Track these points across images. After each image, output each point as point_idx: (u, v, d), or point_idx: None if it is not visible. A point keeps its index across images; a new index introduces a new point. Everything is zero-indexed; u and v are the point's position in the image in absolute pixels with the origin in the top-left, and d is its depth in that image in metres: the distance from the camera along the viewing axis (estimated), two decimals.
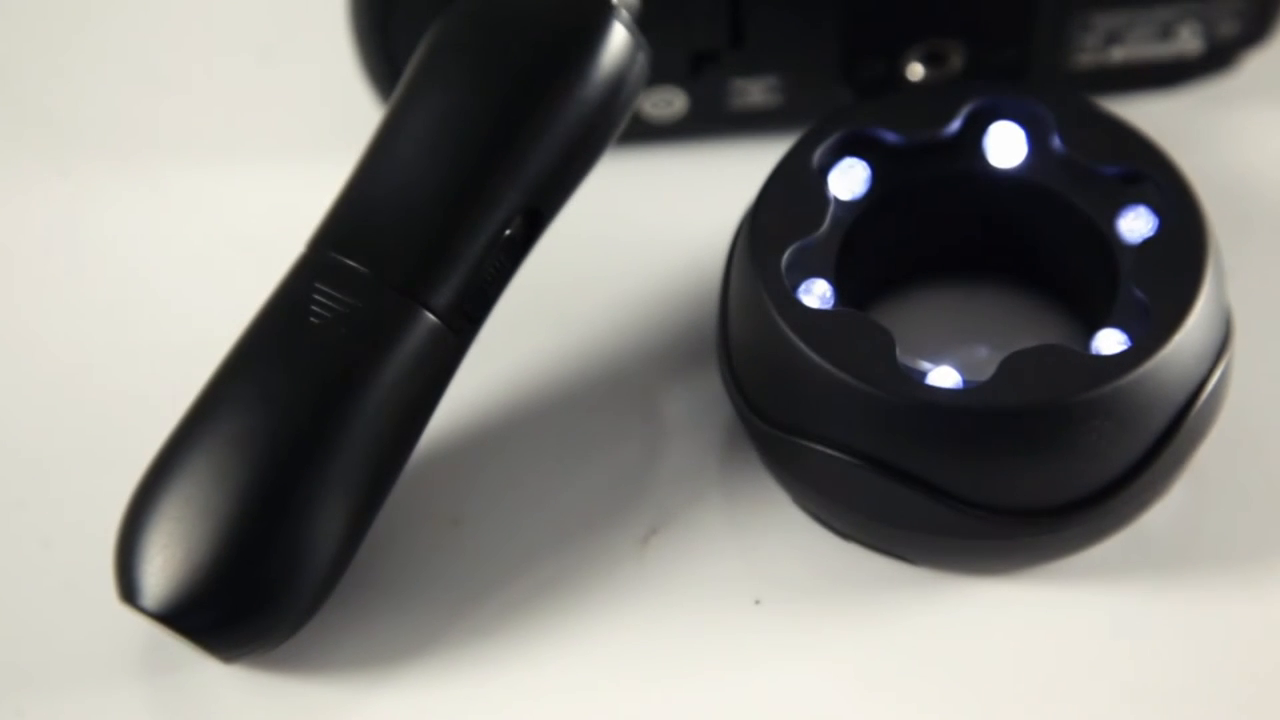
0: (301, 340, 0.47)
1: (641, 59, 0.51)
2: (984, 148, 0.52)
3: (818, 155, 0.51)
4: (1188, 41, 0.56)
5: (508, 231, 0.49)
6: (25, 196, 0.58)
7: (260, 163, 0.58)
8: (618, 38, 0.50)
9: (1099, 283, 0.51)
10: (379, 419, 0.47)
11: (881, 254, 0.52)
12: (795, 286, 0.49)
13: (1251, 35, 0.56)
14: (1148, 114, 0.56)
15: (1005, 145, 0.52)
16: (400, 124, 0.50)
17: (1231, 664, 0.49)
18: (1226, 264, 0.50)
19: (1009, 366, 0.47)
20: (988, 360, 0.52)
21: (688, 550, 0.51)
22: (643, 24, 0.51)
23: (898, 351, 0.48)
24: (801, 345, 0.48)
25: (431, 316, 0.48)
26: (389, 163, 0.49)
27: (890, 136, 0.51)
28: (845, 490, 0.48)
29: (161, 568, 0.46)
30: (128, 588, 0.47)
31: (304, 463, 0.47)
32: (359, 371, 0.47)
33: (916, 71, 0.56)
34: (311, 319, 0.48)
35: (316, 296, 0.48)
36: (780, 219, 0.50)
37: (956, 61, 0.56)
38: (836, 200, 0.51)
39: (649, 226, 0.57)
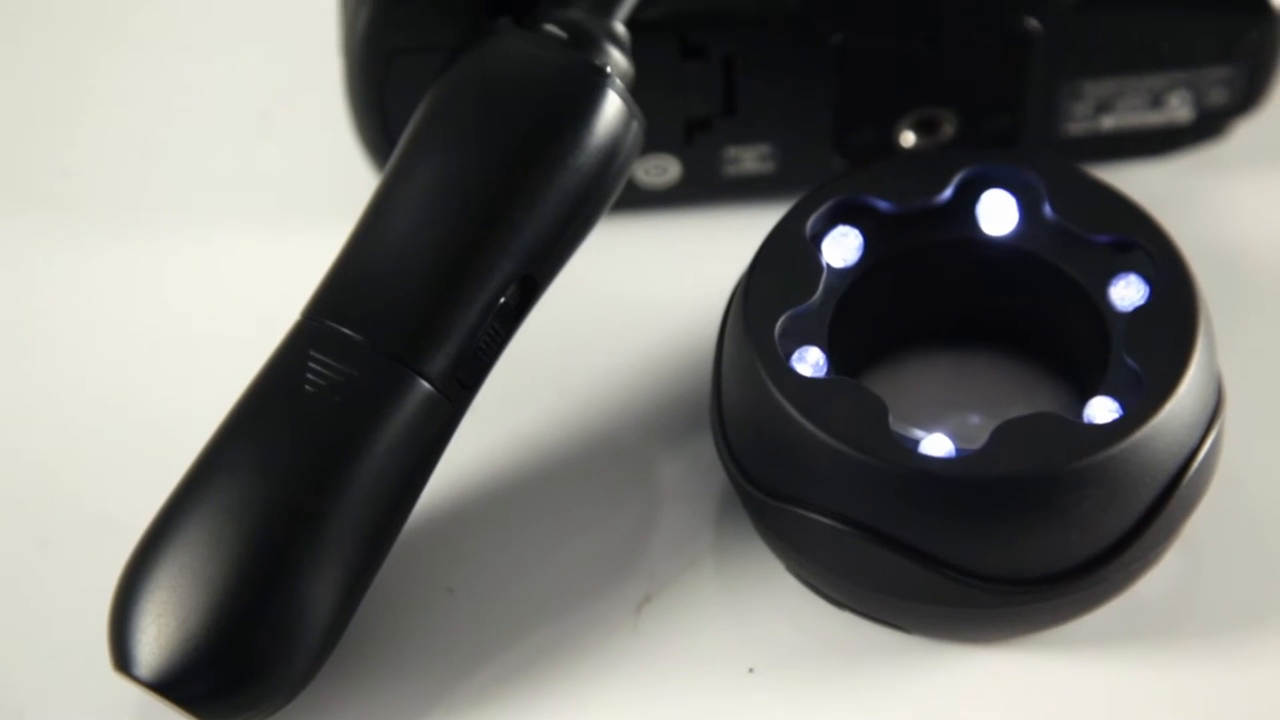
0: (296, 408, 0.48)
1: (635, 127, 0.51)
2: (976, 215, 0.52)
3: (811, 223, 0.51)
4: (1177, 110, 0.57)
5: (502, 299, 0.49)
6: (26, 262, 0.59)
7: (256, 230, 0.59)
8: (612, 106, 0.50)
9: (1091, 350, 0.51)
10: (374, 487, 0.47)
11: (875, 321, 0.52)
12: (789, 354, 0.49)
13: (1241, 104, 0.57)
14: (1138, 181, 0.57)
15: (997, 213, 0.52)
16: (395, 192, 0.50)
17: None
18: (1217, 331, 0.50)
19: (1002, 435, 0.47)
20: (981, 428, 0.52)
21: (682, 618, 0.51)
22: (636, 92, 0.51)
23: (891, 419, 0.48)
24: (795, 413, 0.48)
25: (426, 384, 0.48)
26: (384, 231, 0.49)
27: (883, 204, 0.51)
28: (839, 558, 0.48)
29: (155, 636, 0.46)
30: (121, 656, 0.47)
31: (299, 531, 0.46)
32: (354, 439, 0.47)
33: (908, 139, 0.56)
34: (306, 387, 0.48)
35: (311, 364, 0.48)
36: (774, 286, 0.50)
37: (948, 129, 0.56)
38: (829, 268, 0.51)
39: (643, 293, 0.57)
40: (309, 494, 0.47)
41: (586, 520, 0.53)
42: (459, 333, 0.48)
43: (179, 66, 0.62)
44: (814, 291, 0.50)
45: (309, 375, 0.48)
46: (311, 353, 0.48)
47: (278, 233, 0.58)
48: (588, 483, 0.53)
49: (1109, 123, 0.57)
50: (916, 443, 0.48)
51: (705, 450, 0.53)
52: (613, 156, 0.50)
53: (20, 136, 0.61)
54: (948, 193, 0.51)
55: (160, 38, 0.63)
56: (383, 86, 0.54)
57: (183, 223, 0.59)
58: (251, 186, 0.60)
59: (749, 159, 0.57)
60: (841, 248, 0.51)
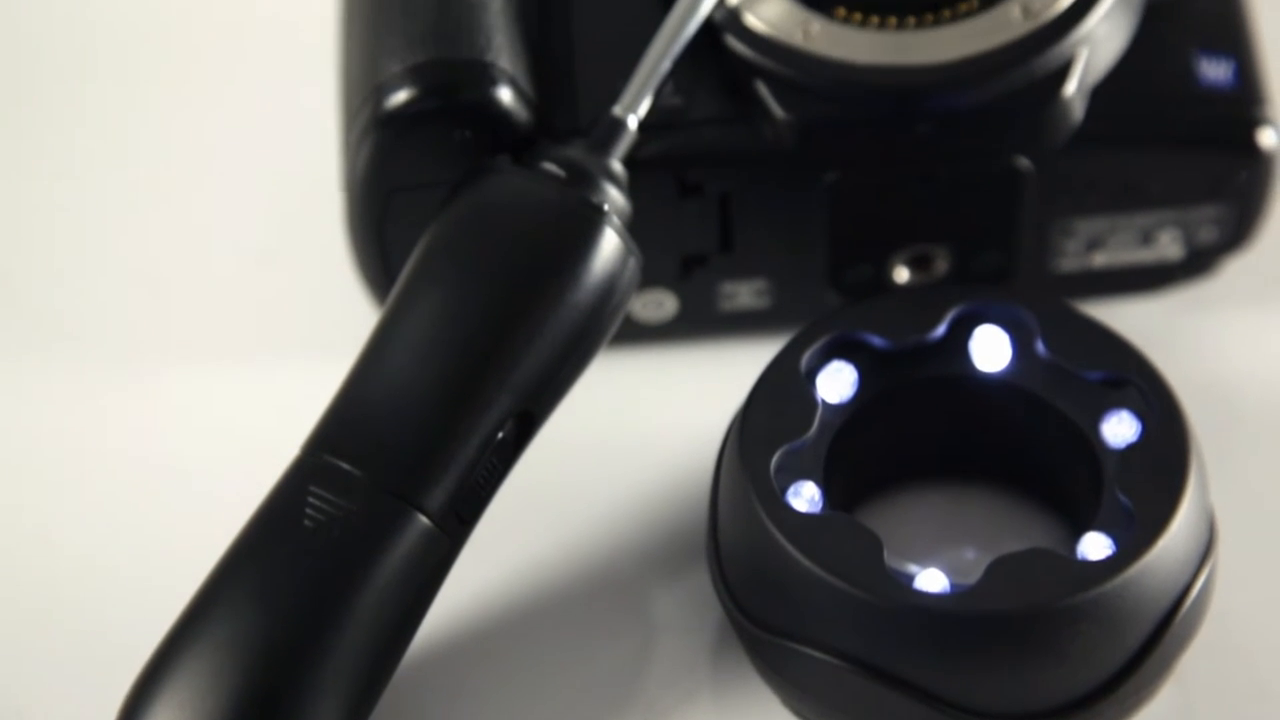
0: (295, 543, 0.48)
1: (633, 264, 0.51)
2: (969, 352, 0.52)
3: (806, 359, 0.51)
4: (1168, 247, 0.57)
5: (500, 434, 0.49)
6: (29, 394, 0.59)
7: (257, 364, 0.59)
8: (609, 243, 0.51)
9: (1084, 486, 0.51)
10: (372, 622, 0.47)
11: (870, 456, 0.53)
12: (784, 489, 0.50)
13: (1230, 241, 0.57)
14: (1130, 318, 0.57)
15: (990, 350, 0.52)
16: (395, 328, 0.50)
17: None
18: (1209, 468, 0.50)
19: (996, 570, 0.47)
20: (975, 562, 0.52)
21: None
22: (633, 228, 0.52)
23: (886, 554, 0.48)
24: (790, 548, 0.48)
25: (424, 519, 0.48)
26: (384, 366, 0.50)
27: (877, 340, 0.52)
28: (834, 693, 0.48)
29: None
30: None
31: (297, 667, 0.46)
32: (352, 575, 0.47)
33: (902, 275, 0.57)
34: (306, 522, 0.48)
35: (310, 499, 0.48)
36: (769, 422, 0.50)
37: (942, 266, 0.57)
38: (824, 403, 0.51)
39: (640, 427, 0.57)
40: (307, 629, 0.47)
41: (583, 654, 0.53)
42: (457, 468, 0.49)
43: (180, 200, 0.63)
44: (809, 427, 0.51)
45: (308, 510, 0.48)
46: (311, 488, 0.48)
47: (278, 367, 0.59)
48: (584, 616, 0.53)
49: (1100, 260, 0.57)
50: (911, 578, 0.48)
51: (701, 584, 0.53)
52: (610, 293, 0.51)
53: (20, 269, 0.62)
54: (941, 329, 0.52)
55: (162, 171, 0.63)
56: (383, 223, 0.54)
57: (183, 356, 0.59)
58: (252, 321, 0.60)
59: (745, 294, 0.57)
60: (836, 383, 0.52)
